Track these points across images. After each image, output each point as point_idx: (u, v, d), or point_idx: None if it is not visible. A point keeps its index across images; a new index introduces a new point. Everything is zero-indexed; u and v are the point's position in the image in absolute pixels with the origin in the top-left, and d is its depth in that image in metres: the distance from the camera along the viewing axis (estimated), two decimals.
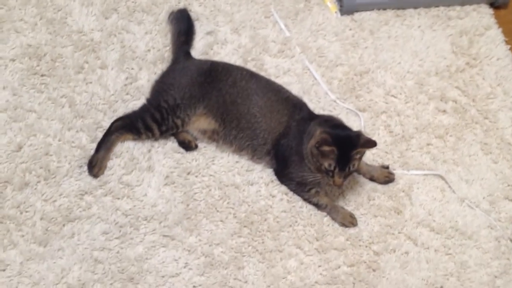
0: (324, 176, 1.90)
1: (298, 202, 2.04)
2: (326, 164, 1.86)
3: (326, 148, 1.83)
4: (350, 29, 2.42)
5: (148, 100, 2.08)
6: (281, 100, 2.05)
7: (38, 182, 1.95)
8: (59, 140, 2.03)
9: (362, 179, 2.11)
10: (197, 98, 2.03)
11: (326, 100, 2.26)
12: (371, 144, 1.88)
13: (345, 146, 1.85)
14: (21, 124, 2.03)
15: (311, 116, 2.05)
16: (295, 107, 2.06)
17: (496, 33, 2.49)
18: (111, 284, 1.82)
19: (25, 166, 1.96)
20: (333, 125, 1.96)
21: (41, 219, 1.89)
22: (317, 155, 1.87)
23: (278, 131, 2.02)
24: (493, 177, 2.18)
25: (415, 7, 2.50)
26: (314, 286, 1.91)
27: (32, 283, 1.79)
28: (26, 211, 1.90)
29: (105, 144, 2.00)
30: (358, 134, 1.89)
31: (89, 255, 1.86)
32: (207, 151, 2.10)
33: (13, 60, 2.13)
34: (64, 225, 1.89)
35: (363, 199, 2.08)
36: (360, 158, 1.92)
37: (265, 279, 1.91)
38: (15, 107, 2.05)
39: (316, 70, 2.31)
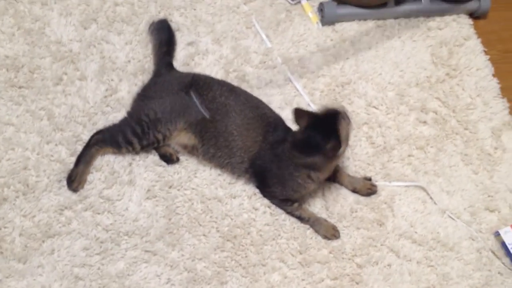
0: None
1: (281, 215, 2.03)
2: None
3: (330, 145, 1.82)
4: (331, 40, 2.42)
5: (129, 113, 2.04)
6: (257, 118, 2.00)
7: (17, 197, 1.91)
8: (38, 154, 1.99)
9: (345, 191, 2.11)
10: (177, 112, 1.99)
11: None
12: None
13: (328, 129, 1.83)
14: None
15: (285, 137, 1.96)
16: (269, 126, 1.99)
17: (475, 43, 2.52)
18: None
19: (3, 181, 1.92)
20: (304, 141, 1.88)
21: (20, 235, 1.85)
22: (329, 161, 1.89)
23: (254, 150, 1.98)
24: (474, 188, 2.20)
25: (395, 18, 2.51)
26: None
27: None
28: (5, 227, 1.86)
29: (84, 158, 1.97)
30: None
31: (69, 271, 1.83)
32: (189, 164, 2.08)
33: None
34: (43, 241, 1.86)
35: (346, 211, 2.08)
36: None
37: None
38: None
39: (297, 81, 2.31)
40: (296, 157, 1.89)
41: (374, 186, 2.12)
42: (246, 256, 1.95)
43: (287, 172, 1.93)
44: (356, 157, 2.19)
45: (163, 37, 2.21)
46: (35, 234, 1.86)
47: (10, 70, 2.10)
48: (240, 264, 1.93)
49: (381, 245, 2.04)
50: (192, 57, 2.26)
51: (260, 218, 2.02)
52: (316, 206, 2.08)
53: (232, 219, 2.01)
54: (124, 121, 2.02)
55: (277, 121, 2.05)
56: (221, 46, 2.31)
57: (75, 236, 1.88)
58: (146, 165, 2.05)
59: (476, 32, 2.55)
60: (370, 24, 2.48)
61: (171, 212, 1.98)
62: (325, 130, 1.84)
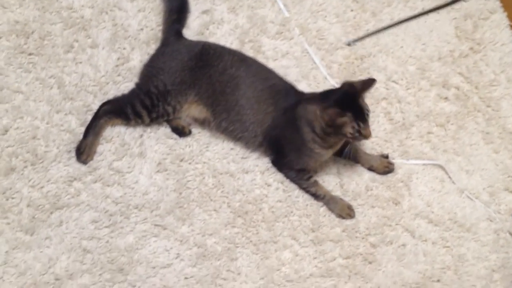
0: (353, 141, 1.86)
1: (294, 191, 1.99)
2: (350, 130, 1.79)
3: (342, 120, 1.76)
4: (352, 10, 2.33)
5: (138, 84, 1.98)
6: (266, 89, 1.94)
7: (25, 167, 1.87)
8: (47, 123, 1.95)
9: (360, 169, 2.05)
10: (187, 84, 1.93)
11: (325, 85, 2.18)
12: (369, 82, 1.82)
13: (350, 102, 1.78)
14: (7, 106, 1.95)
15: (299, 100, 1.93)
16: (279, 94, 1.94)
17: (501, 17, 2.41)
18: (100, 274, 1.77)
19: (11, 150, 1.88)
20: (323, 95, 1.86)
21: (27, 206, 1.82)
22: (335, 131, 1.80)
23: (267, 123, 1.92)
24: (494, 168, 2.13)
25: None
26: (309, 278, 1.87)
27: (18, 273, 1.74)
28: (12, 198, 1.83)
29: (93, 129, 1.92)
30: (349, 83, 1.82)
31: (77, 244, 1.80)
32: (201, 137, 2.03)
33: None
34: (51, 213, 1.83)
35: (361, 189, 2.02)
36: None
37: (258, 271, 1.86)
38: (1, 88, 1.96)
39: (315, 53, 2.23)
40: (301, 111, 1.84)
41: (391, 164, 2.05)
42: (257, 233, 1.91)
43: (298, 135, 1.87)
44: (373, 134, 2.11)
45: (174, 3, 2.12)
46: (43, 205, 1.83)
47: (19, 36, 2.04)
48: (251, 241, 1.90)
49: (396, 224, 1.98)
50: (207, 26, 2.19)
51: (272, 194, 1.97)
52: (331, 184, 2.02)
53: (244, 194, 1.96)
54: (133, 93, 1.97)
55: (288, 89, 1.98)
56: (237, 15, 2.23)
57: (84, 208, 1.85)
58: (158, 138, 2.00)
59: (502, 5, 2.44)
60: None
61: (182, 186, 1.94)
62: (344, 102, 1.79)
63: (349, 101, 1.79)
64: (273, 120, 1.91)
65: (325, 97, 1.85)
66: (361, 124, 1.79)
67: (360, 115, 1.79)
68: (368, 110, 1.82)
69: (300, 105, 1.88)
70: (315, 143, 1.87)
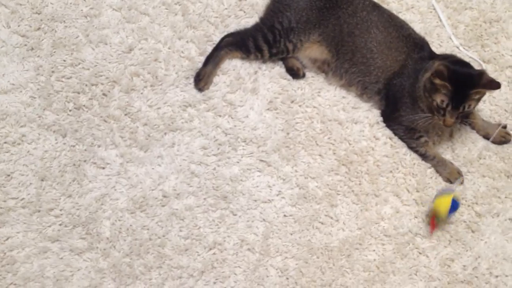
0: (435, 115, 1.79)
1: (402, 148, 1.94)
2: (438, 100, 1.74)
3: (438, 82, 1.71)
4: None
5: (262, 19, 1.99)
6: (401, 37, 1.92)
7: (145, 87, 1.94)
8: (169, 48, 1.99)
9: (475, 135, 1.98)
10: (313, 23, 1.92)
11: (448, 45, 2.10)
12: (494, 85, 1.74)
13: (462, 83, 1.72)
14: (134, 26, 2.01)
15: (431, 56, 1.91)
16: (415, 46, 1.91)
17: None
18: (204, 199, 1.82)
19: (133, 69, 1.95)
20: (454, 61, 1.82)
21: (144, 124, 1.89)
22: (430, 90, 1.76)
23: (393, 69, 1.90)
24: None
25: None
26: (407, 236, 1.84)
27: (129, 185, 1.82)
28: (131, 114, 1.90)
29: (213, 59, 1.95)
30: (481, 73, 1.76)
31: (186, 167, 1.86)
32: (314, 81, 2.01)
33: None
34: (165, 134, 1.89)
35: (473, 156, 1.94)
36: (479, 100, 1.78)
37: (357, 221, 1.85)
38: (130, 8, 2.03)
39: (442, 10, 2.14)
40: (429, 65, 1.81)
41: (509, 135, 1.96)
42: (359, 184, 1.89)
43: (415, 88, 1.83)
44: (494, 102, 2.03)
45: None
46: (158, 126, 1.89)
47: None
48: (353, 191, 1.88)
49: (506, 197, 1.90)
50: None
51: (379, 148, 1.94)
52: (442, 146, 1.96)
53: (350, 144, 1.94)
54: (256, 27, 1.98)
55: (424, 42, 1.94)
56: None
57: (195, 134, 1.90)
58: (271, 76, 2.00)
59: None
60: None
61: (290, 127, 1.94)
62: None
63: (465, 82, 1.73)
64: (400, 68, 1.88)
65: (455, 63, 1.80)
66: (450, 107, 1.73)
67: (459, 100, 1.73)
68: (469, 107, 1.75)
69: (432, 60, 1.83)
70: (421, 100, 1.83)
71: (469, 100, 1.74)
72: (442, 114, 1.77)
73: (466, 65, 1.83)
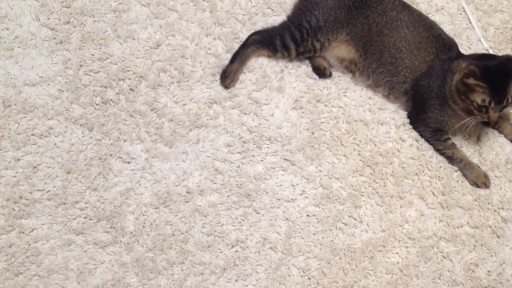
0: (476, 115, 1.77)
1: (428, 151, 1.92)
2: (479, 100, 1.72)
3: (473, 82, 1.70)
4: None
5: (289, 17, 1.99)
6: (431, 38, 1.90)
7: (171, 83, 1.94)
8: (196, 45, 2.00)
9: (503, 140, 1.95)
10: (341, 22, 1.92)
11: (477, 48, 2.07)
12: None
13: (498, 76, 1.70)
14: (162, 22, 2.02)
15: (458, 56, 1.89)
16: (444, 47, 1.89)
17: None
18: (228, 196, 1.83)
19: (160, 65, 1.96)
20: (478, 57, 1.81)
21: (170, 120, 1.90)
22: (465, 91, 1.73)
23: (421, 70, 1.88)
24: None
25: None
26: (432, 240, 1.82)
27: (154, 180, 1.83)
28: (157, 110, 1.91)
29: (240, 57, 1.95)
30: (508, 58, 1.74)
31: (210, 163, 1.86)
32: (340, 81, 2.00)
33: None
34: (190, 130, 1.89)
35: (501, 160, 1.92)
36: None
37: (381, 222, 1.84)
38: (158, 3, 2.04)
39: (472, 12, 2.11)
40: (455, 65, 1.79)
41: None
42: (384, 185, 1.88)
43: (444, 89, 1.82)
44: None
45: None
46: (183, 122, 1.90)
47: None
48: (377, 192, 1.87)
49: None
50: None
51: (405, 150, 1.92)
52: (469, 150, 1.94)
53: (375, 145, 1.93)
54: (283, 25, 1.97)
55: (453, 43, 1.93)
56: None
57: (220, 131, 1.90)
58: (298, 75, 1.99)
59: None
60: None
61: (315, 126, 1.93)
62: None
63: (499, 74, 1.70)
64: (428, 69, 1.86)
65: (481, 58, 1.79)
66: (493, 103, 1.70)
67: (500, 94, 1.70)
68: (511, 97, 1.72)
69: (458, 60, 1.81)
70: (453, 102, 1.81)
71: (510, 90, 1.71)
72: (484, 112, 1.74)
73: (491, 56, 1.82)
